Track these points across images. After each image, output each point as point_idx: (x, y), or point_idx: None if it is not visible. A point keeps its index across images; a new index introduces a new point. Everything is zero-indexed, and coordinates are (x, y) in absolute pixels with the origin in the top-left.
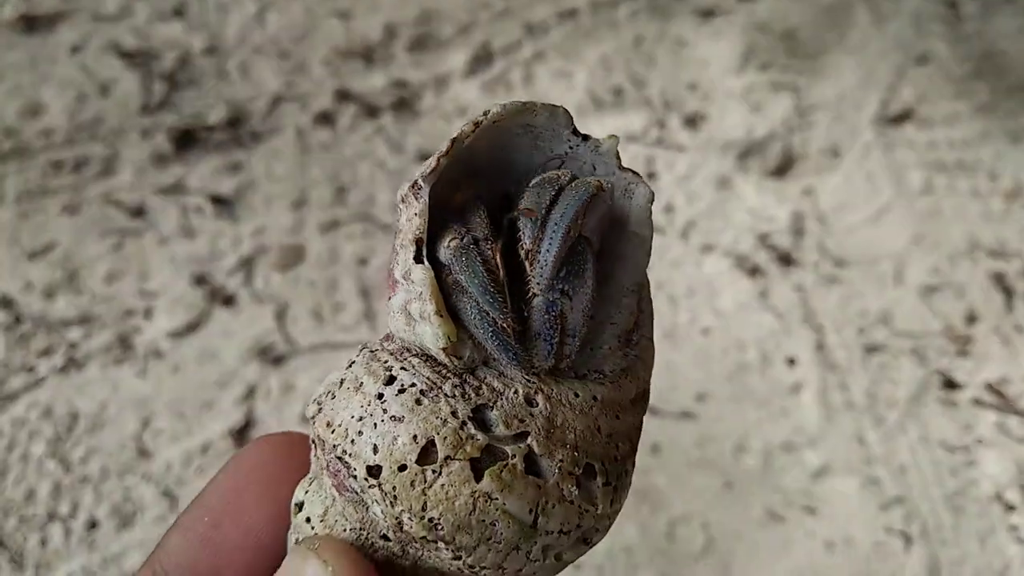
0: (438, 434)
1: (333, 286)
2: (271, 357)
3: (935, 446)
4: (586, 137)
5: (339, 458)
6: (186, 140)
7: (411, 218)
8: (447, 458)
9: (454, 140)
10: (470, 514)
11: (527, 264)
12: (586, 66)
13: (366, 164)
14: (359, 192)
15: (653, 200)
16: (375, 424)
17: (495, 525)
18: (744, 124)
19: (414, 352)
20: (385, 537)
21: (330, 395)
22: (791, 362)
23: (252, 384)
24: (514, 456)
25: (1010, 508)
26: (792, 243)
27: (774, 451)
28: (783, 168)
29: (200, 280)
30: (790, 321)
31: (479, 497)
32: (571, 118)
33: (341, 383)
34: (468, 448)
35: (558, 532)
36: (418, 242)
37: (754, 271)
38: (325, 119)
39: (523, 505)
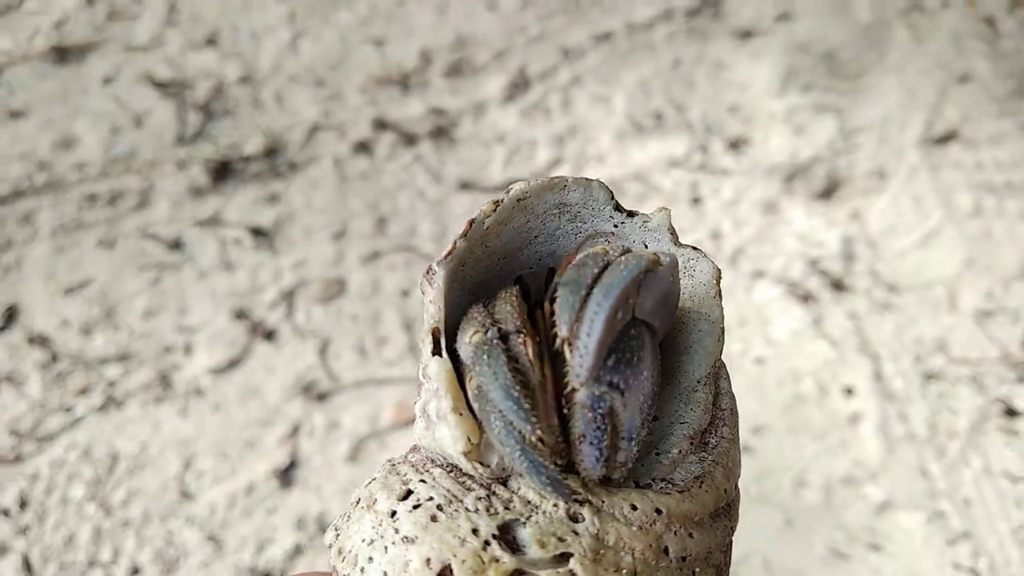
0: (455, 556)
1: (376, 319)
2: (314, 393)
3: (999, 477)
4: (632, 213)
5: None
6: (223, 171)
7: (427, 306)
8: None
9: (472, 221)
10: None
11: (567, 353)
12: (624, 90)
13: (406, 193)
14: (399, 222)
15: (720, 277)
16: (386, 548)
17: None
18: (788, 147)
19: (439, 463)
20: None
21: (346, 517)
22: (848, 392)
23: (296, 422)
24: None
25: None
26: (843, 268)
27: (835, 485)
28: (829, 191)
29: (240, 314)
30: (845, 349)
31: None
32: (610, 192)
33: (357, 503)
34: (491, 573)
35: None
36: (434, 333)
37: (806, 298)
38: (363, 148)
39: None
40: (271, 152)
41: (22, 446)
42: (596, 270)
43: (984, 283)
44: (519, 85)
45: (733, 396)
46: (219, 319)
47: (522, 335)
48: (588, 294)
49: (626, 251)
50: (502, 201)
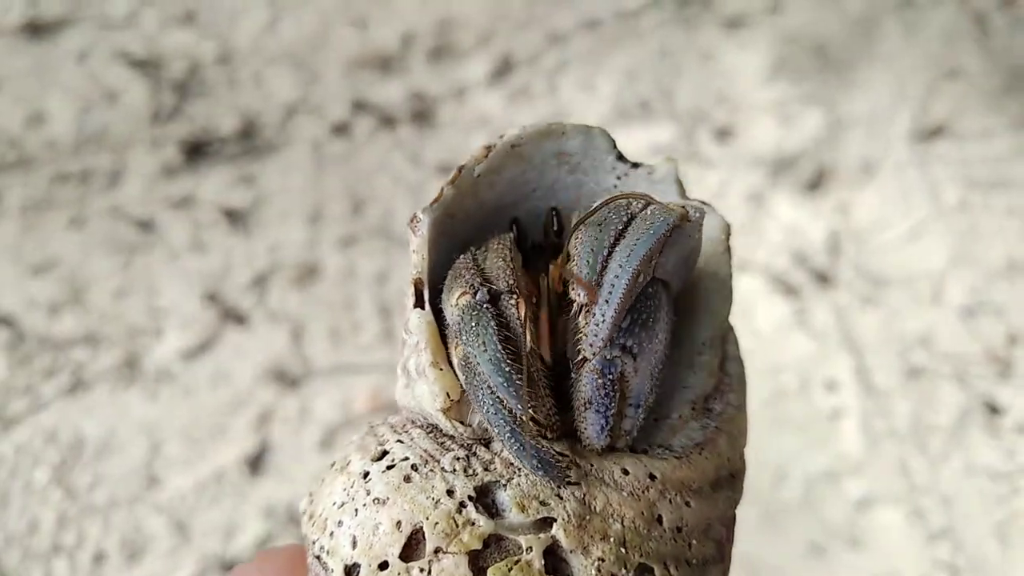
0: (427, 519)
1: (351, 304)
2: (286, 379)
3: (980, 474)
4: (636, 164)
5: (317, 556)
6: (197, 151)
7: (411, 256)
8: (437, 550)
9: (462, 168)
10: None
11: (581, 320)
12: (611, 77)
13: (384, 177)
14: (377, 206)
15: (730, 232)
16: (356, 511)
17: None
18: (775, 138)
19: (419, 423)
20: None
21: (320, 480)
22: (830, 387)
23: (267, 408)
24: (530, 550)
25: None
26: (828, 261)
27: (815, 481)
28: (816, 183)
29: (212, 298)
30: (828, 343)
31: None
32: (612, 141)
33: (332, 465)
34: (465, 537)
35: None
36: (417, 284)
37: (790, 290)
38: (341, 130)
39: None
40: (247, 133)
41: None
42: (619, 226)
43: (969, 279)
44: (503, 69)
45: (741, 361)
46: (190, 302)
47: (514, 296)
48: (609, 254)
49: (649, 202)
50: (494, 147)
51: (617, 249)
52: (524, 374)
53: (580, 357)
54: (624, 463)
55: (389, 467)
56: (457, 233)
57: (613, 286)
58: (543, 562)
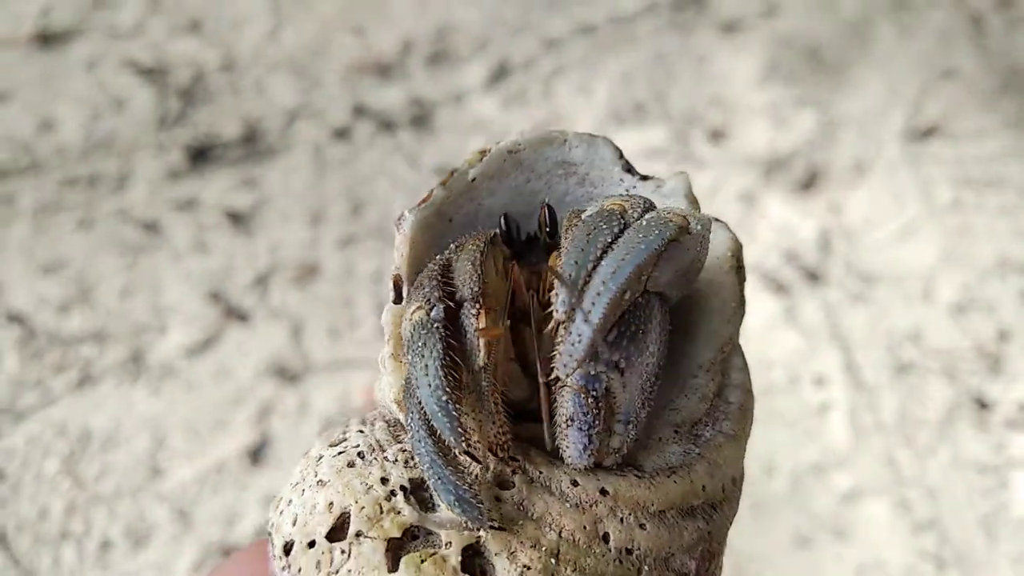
0: (355, 503)
1: (349, 303)
2: (287, 374)
3: (967, 467)
4: (645, 177)
5: (269, 534)
6: (201, 155)
7: (394, 252)
8: (359, 534)
9: (454, 171)
10: None
11: (558, 337)
12: (606, 81)
13: (383, 180)
14: (376, 208)
15: (738, 251)
16: (303, 491)
17: None
18: (768, 139)
19: (387, 418)
20: None
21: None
22: (819, 382)
23: (268, 402)
24: (449, 545)
25: None
26: (818, 260)
27: (802, 473)
28: (808, 184)
29: (215, 296)
30: (817, 339)
31: None
32: (618, 151)
33: (306, 454)
34: (387, 524)
35: None
36: (396, 280)
37: (780, 288)
38: (341, 135)
39: None
40: (250, 138)
41: None
42: (609, 237)
43: (960, 276)
44: (500, 74)
45: (748, 391)
46: (194, 300)
47: (476, 305)
48: (595, 267)
49: (648, 208)
50: (489, 151)
51: (604, 263)
52: (473, 393)
53: (552, 376)
54: (576, 475)
55: (340, 453)
56: (457, 236)
57: (594, 304)
58: (460, 559)
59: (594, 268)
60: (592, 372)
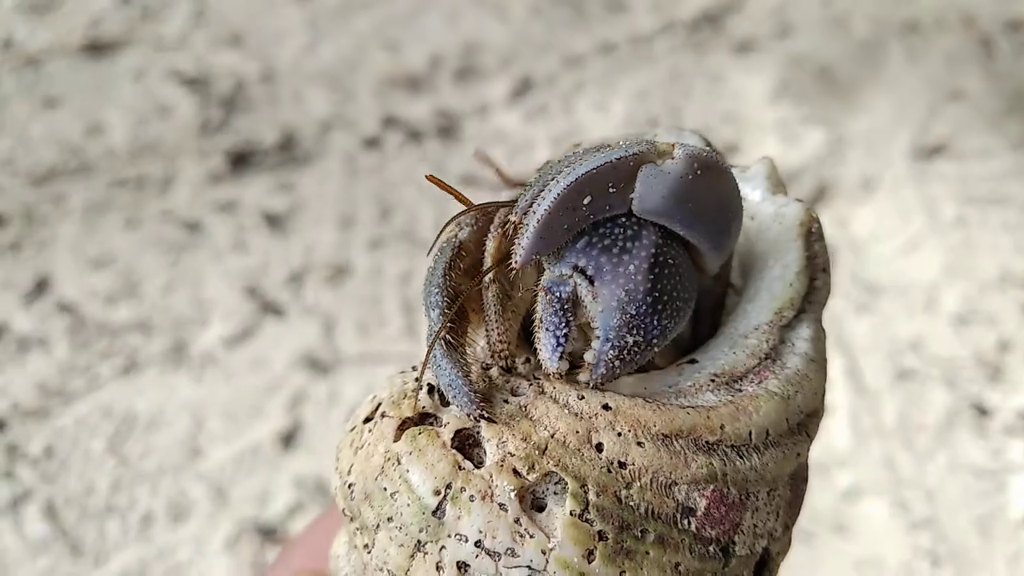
0: (389, 394)
1: (378, 301)
2: (318, 366)
3: (965, 471)
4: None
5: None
6: (241, 161)
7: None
8: (383, 415)
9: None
10: (377, 477)
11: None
12: (623, 97)
13: (410, 187)
14: (403, 213)
15: (809, 220)
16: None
17: (395, 499)
18: (778, 155)
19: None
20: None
21: None
22: None
23: (300, 391)
24: (446, 424)
25: None
26: None
27: None
28: (816, 198)
29: (252, 292)
30: None
31: (389, 458)
32: (704, 140)
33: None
34: (404, 406)
35: (472, 541)
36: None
37: None
38: (372, 143)
39: (428, 479)
40: (286, 145)
41: (49, 403)
42: (577, 157)
43: (962, 289)
44: (523, 89)
45: (813, 360)
46: (232, 296)
47: (505, 211)
48: (557, 175)
49: (638, 141)
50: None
51: (567, 168)
52: (447, 293)
53: (511, 267)
54: (586, 392)
55: (401, 372)
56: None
57: (543, 199)
58: (451, 437)
59: (553, 178)
60: (556, 274)
